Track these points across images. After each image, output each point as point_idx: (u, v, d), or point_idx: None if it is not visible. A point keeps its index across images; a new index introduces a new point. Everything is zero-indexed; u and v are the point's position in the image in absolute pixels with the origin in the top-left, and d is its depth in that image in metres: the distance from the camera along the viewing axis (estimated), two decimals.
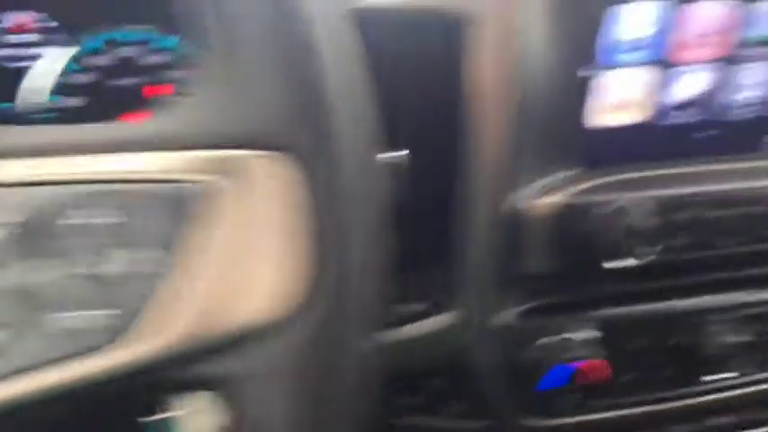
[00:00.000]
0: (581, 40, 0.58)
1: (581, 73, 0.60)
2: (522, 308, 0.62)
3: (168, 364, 0.37)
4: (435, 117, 0.54)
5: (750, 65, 0.64)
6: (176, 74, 0.48)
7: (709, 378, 0.70)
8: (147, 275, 0.36)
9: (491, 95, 0.53)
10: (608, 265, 0.60)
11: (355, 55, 0.43)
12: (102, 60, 0.49)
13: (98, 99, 0.49)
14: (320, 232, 0.39)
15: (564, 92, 0.59)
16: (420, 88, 0.52)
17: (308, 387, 0.40)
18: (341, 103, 0.41)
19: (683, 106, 0.64)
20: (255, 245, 0.38)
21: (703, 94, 0.64)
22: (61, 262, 0.36)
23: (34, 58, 0.49)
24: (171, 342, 0.36)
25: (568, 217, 0.59)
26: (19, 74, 0.49)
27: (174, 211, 0.37)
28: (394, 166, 0.53)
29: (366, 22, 0.49)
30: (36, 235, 0.36)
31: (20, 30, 0.50)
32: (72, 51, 0.49)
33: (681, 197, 0.63)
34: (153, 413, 0.40)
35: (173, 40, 0.48)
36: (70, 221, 0.37)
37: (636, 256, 0.60)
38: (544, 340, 0.62)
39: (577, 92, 0.60)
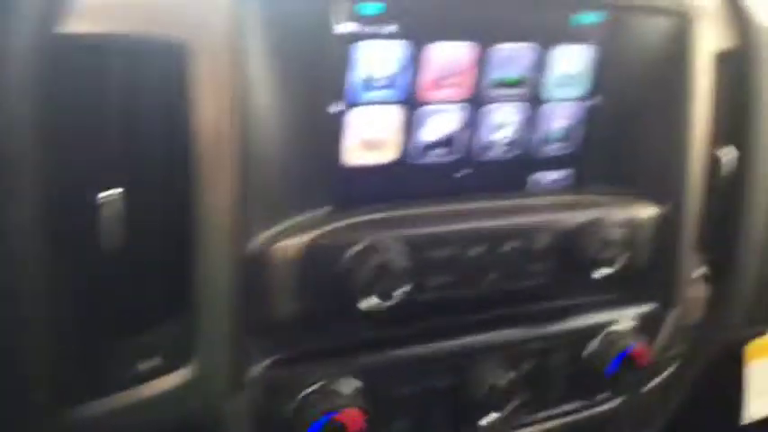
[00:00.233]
0: (324, 77, 0.57)
1: (328, 110, 0.58)
2: (274, 358, 0.58)
3: None
4: (157, 154, 0.49)
5: (496, 105, 0.66)
6: None
7: (482, 422, 0.69)
8: None
9: (216, 132, 0.50)
10: (363, 307, 0.57)
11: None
12: None
13: None
14: None
15: (309, 129, 0.57)
16: (135, 122, 0.48)
17: None
18: None
19: (433, 145, 0.64)
20: None
21: (453, 133, 0.65)
22: None
23: None
24: None
25: (316, 258, 0.56)
26: None
27: None
28: (106, 207, 0.48)
29: (72, 51, 0.45)
30: None
31: None
32: None
33: (436, 236, 0.62)
34: None
35: None
36: None
37: (390, 298, 0.58)
38: (299, 392, 0.58)
39: (324, 129, 0.58)
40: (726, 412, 0.98)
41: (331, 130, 0.59)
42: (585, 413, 0.76)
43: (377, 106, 0.60)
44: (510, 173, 0.70)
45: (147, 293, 0.51)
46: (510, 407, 0.69)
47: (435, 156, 0.65)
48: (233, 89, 0.50)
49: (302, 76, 0.56)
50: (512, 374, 0.68)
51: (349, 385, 0.60)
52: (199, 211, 0.50)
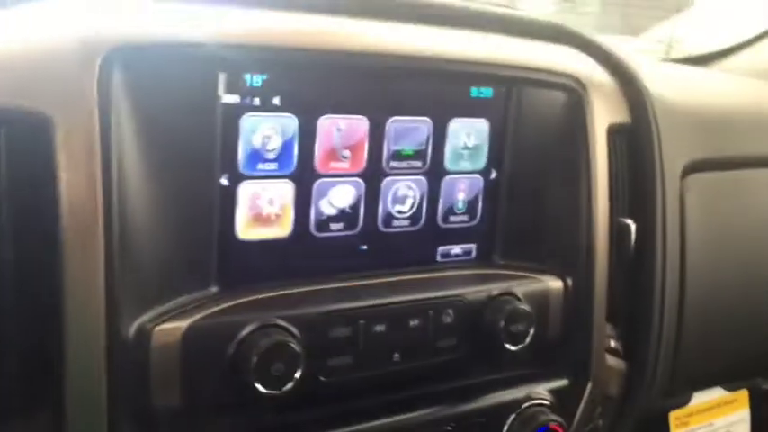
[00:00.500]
0: (211, 149, 0.55)
1: (217, 183, 0.56)
2: None
3: None
4: (19, 225, 0.46)
5: (396, 178, 0.65)
6: None
7: None
8: None
9: (83, 205, 0.47)
10: (256, 394, 0.53)
11: None
12: None
13: None
14: None
15: (195, 202, 0.55)
16: None
17: None
18: None
19: (333, 219, 0.62)
20: None
21: (353, 206, 0.63)
22: None
23: None
24: None
25: (199, 342, 0.52)
26: None
27: None
28: None
29: None
30: None
31: None
32: None
33: (334, 314, 0.59)
34: None
35: None
36: None
37: (284, 383, 0.54)
38: None
39: (212, 203, 0.56)
40: None
41: (220, 204, 0.56)
42: None
43: (268, 180, 0.58)
44: (415, 246, 0.68)
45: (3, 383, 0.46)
46: None
47: (335, 230, 0.63)
48: (102, 163, 0.47)
49: (186, 147, 0.54)
50: None
51: None
52: (66, 286, 0.47)
